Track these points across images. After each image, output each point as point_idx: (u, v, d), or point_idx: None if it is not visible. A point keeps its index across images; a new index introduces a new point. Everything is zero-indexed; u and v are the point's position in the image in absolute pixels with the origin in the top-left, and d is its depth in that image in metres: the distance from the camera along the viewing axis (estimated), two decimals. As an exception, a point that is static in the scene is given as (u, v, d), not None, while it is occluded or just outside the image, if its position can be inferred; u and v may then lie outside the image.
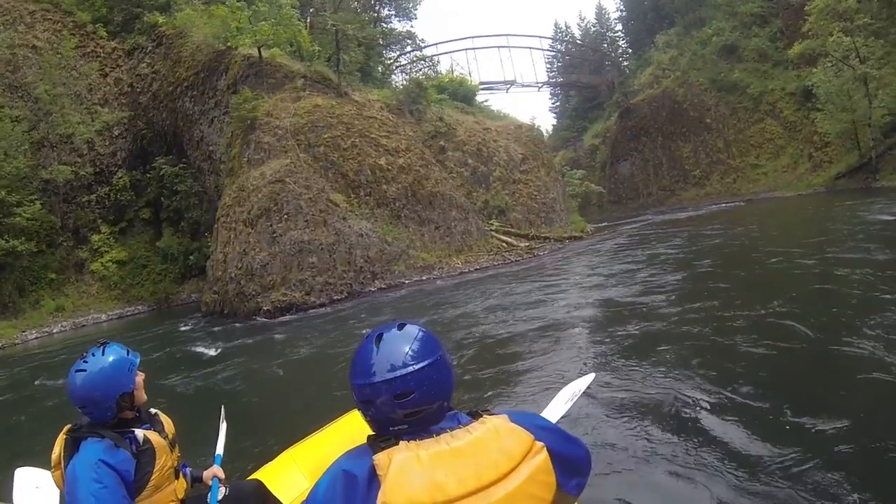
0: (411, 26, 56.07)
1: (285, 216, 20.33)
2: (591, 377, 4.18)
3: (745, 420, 4.84)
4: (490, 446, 1.33)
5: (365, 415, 1.43)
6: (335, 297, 19.37)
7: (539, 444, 1.38)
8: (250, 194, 21.29)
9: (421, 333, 1.44)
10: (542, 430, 1.46)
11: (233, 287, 20.24)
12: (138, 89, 33.63)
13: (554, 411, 3.56)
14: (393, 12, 49.48)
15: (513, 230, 28.26)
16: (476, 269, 22.40)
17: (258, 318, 18.52)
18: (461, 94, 35.59)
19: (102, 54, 33.92)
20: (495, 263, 23.42)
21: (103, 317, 27.30)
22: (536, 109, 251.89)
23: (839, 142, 38.86)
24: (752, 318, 8.26)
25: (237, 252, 20.59)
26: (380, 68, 35.73)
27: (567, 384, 3.93)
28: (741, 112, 49.14)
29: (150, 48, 33.75)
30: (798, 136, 44.83)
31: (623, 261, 18.37)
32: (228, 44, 27.61)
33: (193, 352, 14.16)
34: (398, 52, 50.91)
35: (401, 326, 1.45)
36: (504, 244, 26.25)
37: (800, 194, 38.92)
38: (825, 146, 41.26)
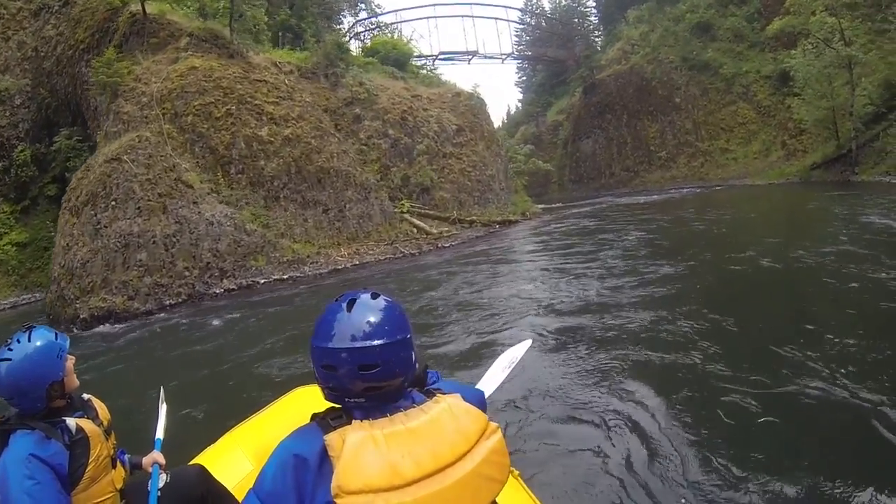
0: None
1: (112, 203, 15.41)
2: (527, 343, 3.63)
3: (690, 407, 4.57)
4: (446, 426, 1.24)
5: (322, 381, 1.30)
6: (168, 302, 14.54)
7: (494, 424, 1.32)
8: (85, 176, 16.45)
9: (392, 307, 1.34)
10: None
11: (54, 289, 15.49)
12: (42, 53, 28.53)
13: (491, 379, 3.09)
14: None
15: (431, 213, 23.39)
16: (357, 265, 17.61)
17: (74, 329, 13.73)
18: (393, 57, 30.29)
19: (6, 16, 29.02)
20: (383, 258, 18.63)
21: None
22: (503, 83, 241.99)
23: (816, 130, 33.80)
24: (710, 332, 6.58)
25: (60, 247, 15.80)
26: (309, 31, 30.33)
27: (503, 351, 3.45)
28: (712, 93, 43.97)
29: (56, 7, 28.62)
30: (772, 121, 39.87)
31: (544, 259, 14.77)
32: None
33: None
34: (354, 19, 46.10)
35: (374, 296, 1.34)
36: (415, 230, 21.41)
37: (771, 183, 34.34)
38: (800, 134, 36.34)
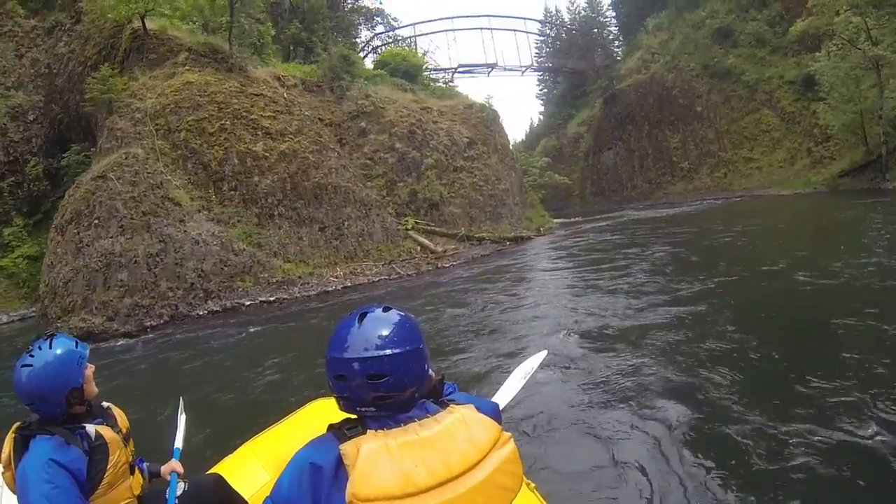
0: (380, 3, 50.05)
1: (95, 221, 14.68)
2: (542, 354, 3.73)
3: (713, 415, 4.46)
4: (459, 436, 1.26)
5: (336, 390, 1.33)
6: (149, 324, 13.69)
7: (507, 434, 1.34)
8: (73, 194, 15.87)
9: (404, 320, 1.36)
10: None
11: (39, 307, 15.17)
12: (55, 70, 28.56)
13: (507, 391, 3.19)
14: (360, -14, 43.69)
15: (438, 230, 22.27)
16: (348, 288, 16.38)
17: None
18: (402, 69, 29.34)
19: (20, 34, 29.05)
20: (377, 279, 17.33)
21: (4, 318, 22.35)
22: (525, 96, 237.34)
23: (843, 136, 31.84)
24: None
25: (46, 265, 15.28)
26: (320, 44, 29.64)
27: (520, 363, 3.53)
28: (735, 101, 42.10)
29: (68, 25, 28.62)
30: (797, 128, 37.87)
31: (555, 278, 13.65)
32: (109, 15, 22.05)
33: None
34: (371, 33, 45.51)
35: (386, 309, 1.37)
36: (419, 248, 20.33)
37: (797, 193, 32.47)
38: (827, 140, 34.42)
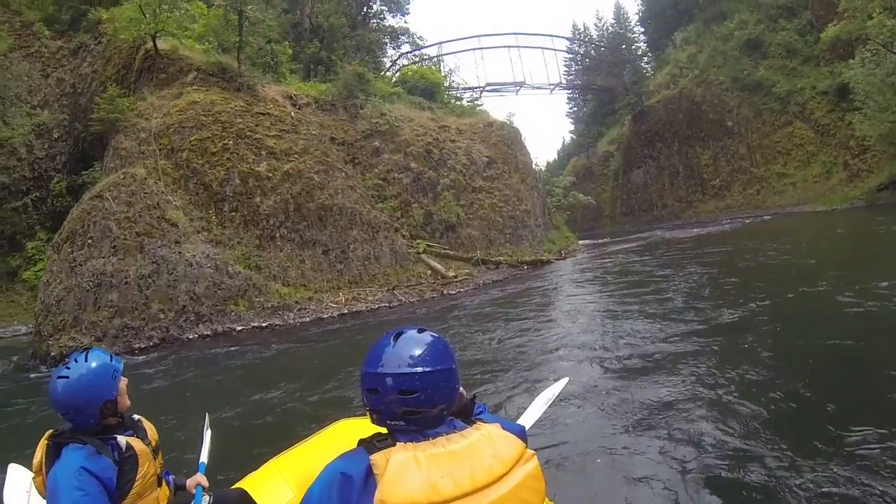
0: (405, 22, 49.72)
1: (89, 241, 14.28)
2: (564, 381, 3.76)
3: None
4: (484, 451, 1.31)
5: (368, 403, 1.37)
6: (138, 346, 13.11)
7: (530, 451, 1.38)
8: (73, 212, 15.59)
9: (436, 341, 1.41)
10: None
11: (34, 324, 14.82)
12: (79, 90, 29.04)
13: (531, 414, 3.28)
14: (385, 7, 43.48)
15: (452, 253, 21.30)
16: (344, 315, 15.38)
17: (41, 367, 12.83)
18: (421, 87, 28.68)
19: (46, 54, 29.95)
20: (376, 307, 16.18)
21: (23, 329, 22.45)
22: (555, 115, 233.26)
23: (881, 147, 29.90)
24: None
25: (43, 283, 14.93)
26: (339, 62, 29.21)
27: (543, 390, 3.62)
28: (766, 114, 40.48)
29: (92, 46, 29.09)
30: (832, 140, 36.09)
31: (570, 307, 12.04)
32: (121, 36, 22.06)
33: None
34: (398, 52, 45.24)
35: (420, 330, 1.43)
36: (430, 272, 19.41)
37: (834, 209, 30.70)
38: (864, 152, 32.62)
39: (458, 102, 32.39)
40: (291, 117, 19.45)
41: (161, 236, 14.80)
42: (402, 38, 45.49)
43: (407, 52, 46.28)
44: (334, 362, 9.69)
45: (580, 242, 34.27)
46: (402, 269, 18.80)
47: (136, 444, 2.20)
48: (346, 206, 18.26)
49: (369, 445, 1.31)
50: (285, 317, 14.74)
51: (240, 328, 14.01)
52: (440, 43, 47.59)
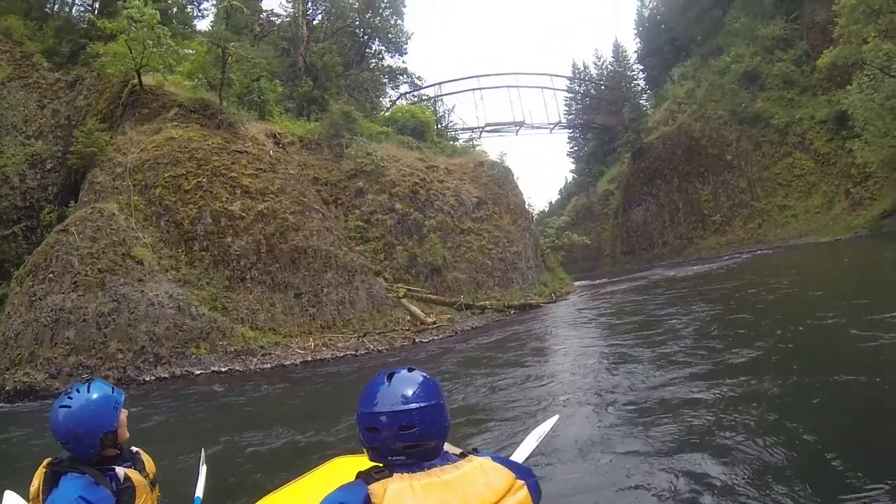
0: (403, 62, 50.00)
1: (50, 275, 14.04)
2: (554, 419, 3.81)
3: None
4: (477, 481, 1.37)
5: (367, 442, 1.43)
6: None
7: (520, 481, 1.44)
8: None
9: (427, 380, 1.47)
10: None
11: None
12: (74, 122, 29.17)
13: (523, 451, 3.24)
14: (383, 47, 43.81)
15: (434, 297, 20.62)
16: (306, 363, 14.57)
17: None
18: (411, 126, 28.43)
19: (44, 85, 29.97)
20: (342, 355, 15.28)
21: None
22: (554, 154, 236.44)
23: (884, 173, 28.87)
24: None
25: (4, 315, 14.69)
26: (332, 102, 29.13)
27: (534, 427, 3.59)
28: (766, 146, 39.75)
29: (88, 80, 29.30)
30: (832, 169, 35.28)
31: (552, 363, 10.84)
32: (108, 70, 22.12)
33: None
34: (397, 93, 45.41)
35: (410, 370, 1.48)
36: (408, 318, 18.72)
37: (837, 239, 29.77)
38: (865, 180, 31.69)
39: (450, 142, 32.09)
40: (270, 156, 19.16)
41: (124, 273, 14.45)
42: (401, 77, 45.88)
43: (406, 93, 46.53)
44: (297, 412, 9.29)
45: (577, 284, 33.48)
46: (380, 314, 18.17)
47: (134, 475, 2.20)
48: (321, 248, 17.79)
49: (367, 476, 1.33)
50: (247, 361, 14.17)
51: (199, 372, 13.47)
52: (439, 83, 47.62)
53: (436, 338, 17.16)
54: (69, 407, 2.05)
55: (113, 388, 2.21)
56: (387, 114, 33.50)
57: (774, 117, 38.84)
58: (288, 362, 14.26)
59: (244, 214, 17.03)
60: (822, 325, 8.81)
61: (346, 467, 2.90)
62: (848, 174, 33.47)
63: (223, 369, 13.64)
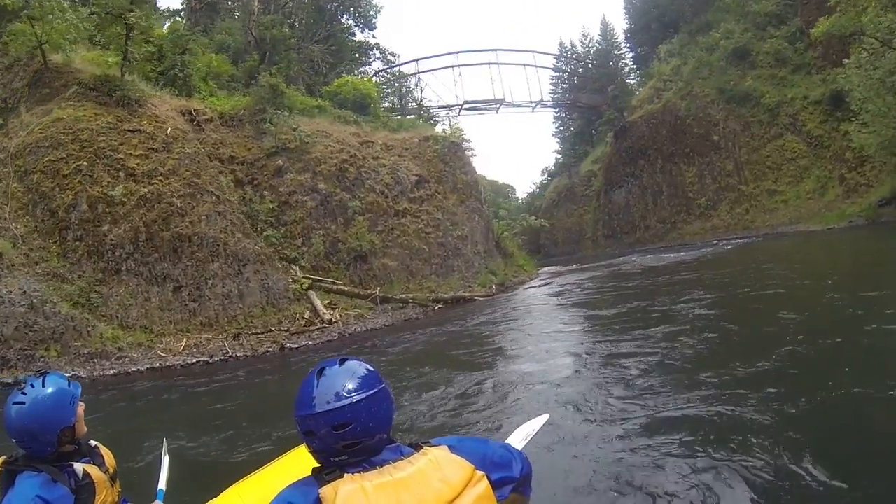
0: (373, 37, 48.37)
1: None
2: (544, 418, 3.44)
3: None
4: (432, 476, 1.29)
5: (308, 445, 1.36)
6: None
7: (479, 473, 1.35)
8: None
9: (361, 368, 1.38)
10: (481, 453, 1.42)
11: None
12: (10, 106, 28.08)
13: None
14: (352, 21, 42.17)
15: (346, 289, 19.28)
16: (150, 370, 13.09)
17: None
18: (351, 101, 26.91)
19: None
20: (192, 361, 13.63)
21: None
22: (540, 134, 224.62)
23: (881, 157, 27.26)
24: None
25: None
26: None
27: (520, 425, 3.29)
28: (755, 127, 38.09)
29: (24, 60, 28.15)
30: (826, 153, 33.68)
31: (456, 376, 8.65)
32: (11, 50, 20.83)
33: None
34: (370, 70, 43.82)
35: (342, 361, 1.38)
36: (307, 313, 17.38)
37: (830, 228, 28.42)
38: (861, 164, 30.17)
39: (395, 116, 30.51)
40: (167, 135, 17.83)
41: (-23, 269, 13.24)
42: (372, 53, 44.22)
43: (379, 71, 44.94)
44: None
45: (544, 270, 32.05)
46: (275, 309, 16.86)
47: (94, 471, 2.12)
48: (207, 235, 16.43)
49: (319, 476, 1.27)
50: (100, 365, 12.93)
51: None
52: (416, 60, 46.07)
53: (312, 342, 15.44)
54: (23, 403, 1.96)
55: (69, 382, 2.12)
56: (328, 88, 32.01)
57: (765, 96, 37.28)
58: (133, 369, 12.94)
59: (125, 200, 15.74)
60: (823, 328, 7.80)
61: (309, 456, 2.59)
62: (843, 158, 31.96)
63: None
